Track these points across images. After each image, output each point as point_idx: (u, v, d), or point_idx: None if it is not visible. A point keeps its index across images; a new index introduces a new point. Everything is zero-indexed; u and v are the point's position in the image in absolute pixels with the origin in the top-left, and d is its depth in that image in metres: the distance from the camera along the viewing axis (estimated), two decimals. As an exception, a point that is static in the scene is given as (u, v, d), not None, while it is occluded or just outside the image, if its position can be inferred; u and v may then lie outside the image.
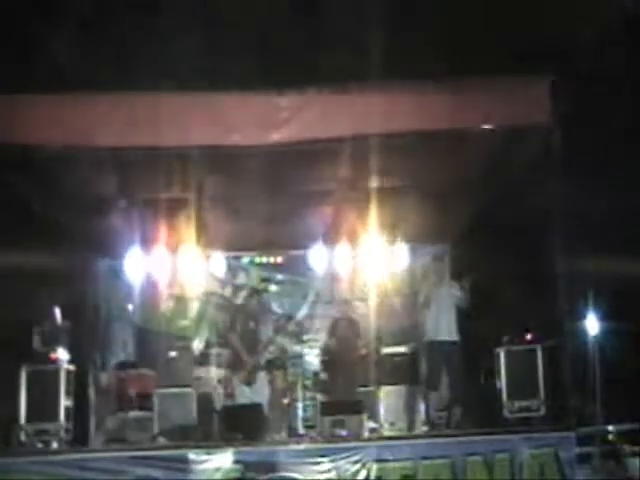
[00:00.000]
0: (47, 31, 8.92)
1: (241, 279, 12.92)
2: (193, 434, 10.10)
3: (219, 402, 11.12)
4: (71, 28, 8.93)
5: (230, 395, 11.05)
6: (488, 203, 10.70)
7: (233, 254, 12.74)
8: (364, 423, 9.89)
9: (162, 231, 11.20)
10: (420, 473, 8.74)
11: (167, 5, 9.04)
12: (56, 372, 9.54)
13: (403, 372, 11.37)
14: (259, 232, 11.96)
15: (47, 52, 8.90)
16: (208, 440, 9.78)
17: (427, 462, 8.77)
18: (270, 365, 11.31)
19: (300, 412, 11.10)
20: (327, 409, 10.07)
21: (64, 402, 9.46)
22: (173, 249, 11.32)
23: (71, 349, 9.93)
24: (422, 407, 10.90)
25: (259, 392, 10.81)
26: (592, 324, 11.16)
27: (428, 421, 10.56)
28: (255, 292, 12.06)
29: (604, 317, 11.17)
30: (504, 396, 9.72)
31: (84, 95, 8.87)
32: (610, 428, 10.28)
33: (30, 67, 8.80)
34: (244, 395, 10.79)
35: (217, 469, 8.71)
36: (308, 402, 11.31)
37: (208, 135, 8.93)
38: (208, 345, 12.33)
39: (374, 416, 10.82)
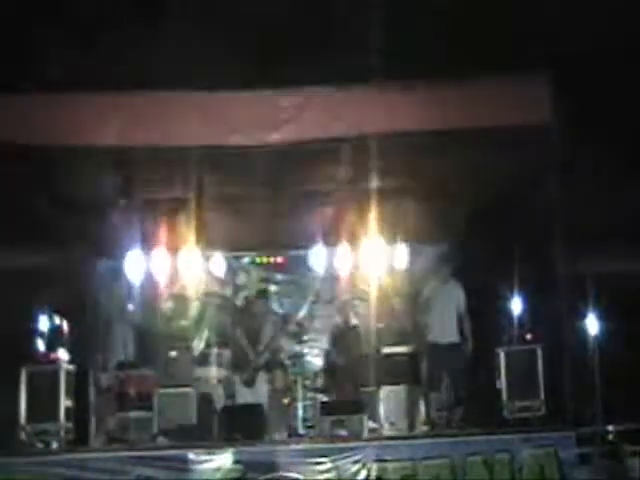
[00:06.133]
0: (47, 31, 8.93)
1: (241, 279, 12.92)
2: (193, 434, 10.09)
3: (219, 402, 11.12)
4: (71, 28, 8.94)
5: (230, 395, 11.05)
6: (489, 203, 10.70)
7: (233, 254, 12.74)
8: (364, 423, 9.89)
9: (162, 231, 11.20)
10: (420, 473, 8.75)
11: (168, 5, 9.05)
12: (56, 372, 9.53)
13: (403, 372, 11.35)
14: (259, 232, 11.96)
15: (47, 52, 8.90)
16: (208, 440, 9.78)
17: (427, 462, 8.78)
18: (270, 365, 11.30)
19: (300, 412, 11.10)
20: (327, 409, 10.07)
21: (64, 402, 9.46)
22: (173, 249, 11.32)
23: (71, 349, 9.92)
24: (422, 407, 10.90)
25: (259, 392, 10.81)
26: (592, 324, 11.13)
27: (428, 421, 10.55)
28: (262, 293, 12.09)
29: (604, 317, 11.14)
30: (504, 396, 9.71)
31: (84, 95, 8.88)
32: (610, 428, 10.26)
33: (30, 67, 8.80)
34: (244, 395, 10.79)
35: (217, 469, 8.72)
36: (308, 402, 11.31)
37: (208, 135, 8.94)
38: (208, 345, 12.33)
39: (374, 416, 10.81)
